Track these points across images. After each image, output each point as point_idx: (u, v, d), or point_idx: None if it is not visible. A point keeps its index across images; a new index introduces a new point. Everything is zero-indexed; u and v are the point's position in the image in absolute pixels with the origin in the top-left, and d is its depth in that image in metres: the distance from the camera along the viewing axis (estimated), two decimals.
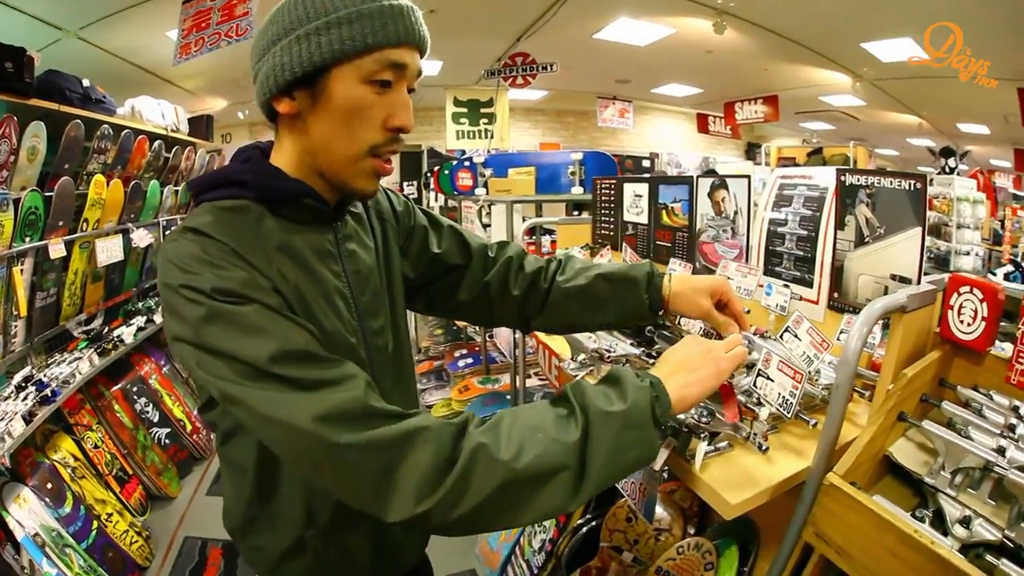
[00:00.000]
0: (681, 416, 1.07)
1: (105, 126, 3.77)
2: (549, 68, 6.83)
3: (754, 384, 1.19)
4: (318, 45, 0.92)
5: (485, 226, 4.68)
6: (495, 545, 2.84)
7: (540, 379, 3.83)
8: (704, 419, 1.09)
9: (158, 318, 4.68)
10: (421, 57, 1.02)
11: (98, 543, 3.05)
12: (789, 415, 1.11)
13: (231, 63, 6.25)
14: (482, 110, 7.81)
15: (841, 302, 1.59)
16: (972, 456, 1.04)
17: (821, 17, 5.60)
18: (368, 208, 1.25)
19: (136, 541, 3.32)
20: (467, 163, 4.51)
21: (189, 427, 4.49)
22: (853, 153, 10.88)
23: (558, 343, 1.94)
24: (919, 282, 1.34)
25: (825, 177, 1.63)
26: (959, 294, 1.23)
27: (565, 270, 1.37)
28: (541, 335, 2.07)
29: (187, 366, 0.90)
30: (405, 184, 10.09)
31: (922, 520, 1.00)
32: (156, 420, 4.26)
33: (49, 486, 2.96)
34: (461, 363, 4.77)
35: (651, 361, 1.28)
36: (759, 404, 1.17)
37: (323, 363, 0.88)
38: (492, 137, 7.79)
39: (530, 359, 3.48)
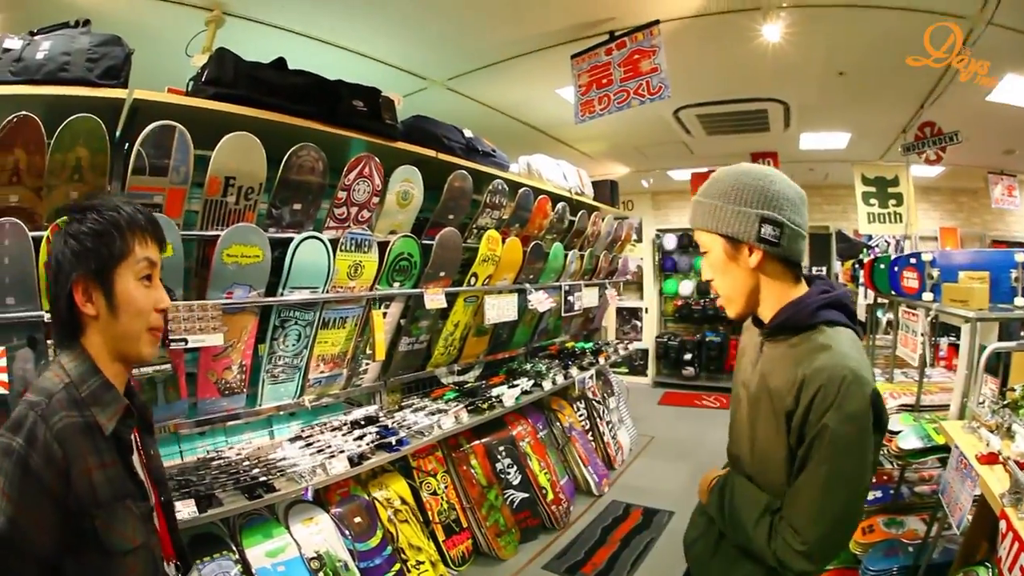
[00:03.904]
0: None
1: (499, 181, 3.79)
2: (955, 138, 5.70)
3: None
4: None
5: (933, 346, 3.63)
6: None
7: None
8: None
9: (547, 384, 4.57)
10: None
11: None
12: None
13: (633, 129, 6.10)
14: (889, 189, 6.88)
15: None
16: None
17: None
18: None
19: None
20: (913, 260, 3.73)
21: (551, 496, 4.23)
22: None
23: None
24: None
25: None
26: None
27: None
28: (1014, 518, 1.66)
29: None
30: (815, 268, 8.71)
31: None
32: (516, 483, 4.10)
33: (357, 520, 2.95)
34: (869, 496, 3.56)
35: None
36: None
37: None
38: (903, 220, 6.86)
39: None
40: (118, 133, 2.17)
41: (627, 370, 8.99)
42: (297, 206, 2.63)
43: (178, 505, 2.14)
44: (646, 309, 9.59)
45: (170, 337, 2.23)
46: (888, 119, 5.93)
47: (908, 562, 2.83)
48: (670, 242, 9.35)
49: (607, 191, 5.92)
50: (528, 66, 4.56)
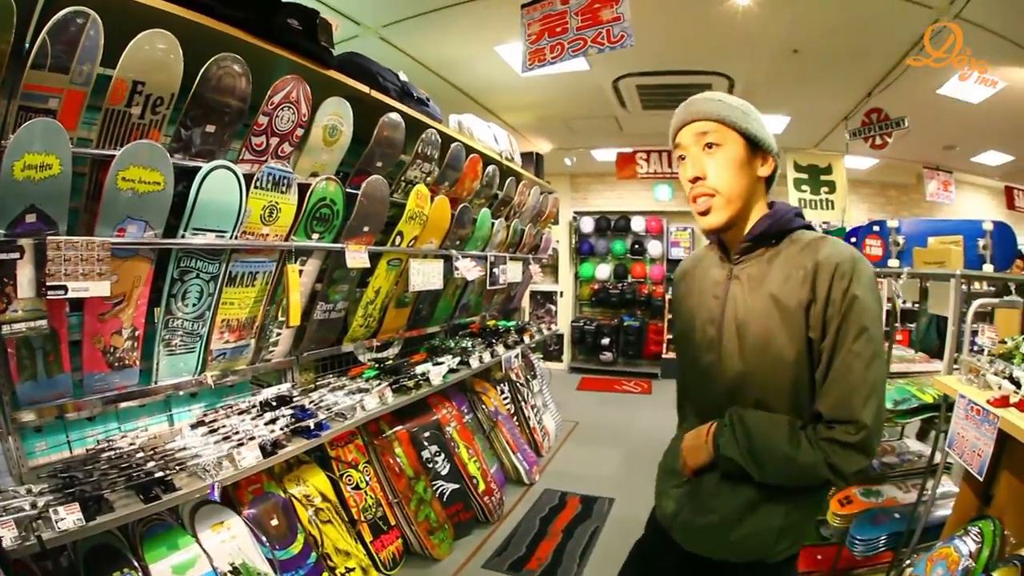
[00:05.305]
0: None
1: (432, 131, 3.38)
2: (901, 124, 5.84)
3: None
4: None
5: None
6: None
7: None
8: None
9: (474, 361, 4.19)
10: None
11: None
12: None
13: (567, 98, 5.81)
14: (822, 177, 7.18)
15: None
16: None
17: None
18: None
19: None
20: (876, 228, 3.92)
21: (482, 487, 3.85)
22: None
23: None
24: None
25: None
26: None
27: None
28: None
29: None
30: None
31: None
32: (445, 473, 3.68)
33: (274, 522, 2.44)
34: None
35: None
36: None
37: None
38: (835, 207, 7.18)
39: None
40: (28, 41, 1.71)
41: (541, 355, 8.72)
42: (210, 128, 2.09)
43: (61, 511, 1.61)
44: (561, 293, 9.34)
45: (47, 284, 1.68)
46: (832, 105, 5.94)
47: (899, 528, 2.75)
48: (587, 225, 9.17)
49: (532, 164, 5.57)
50: (471, 16, 4.16)
